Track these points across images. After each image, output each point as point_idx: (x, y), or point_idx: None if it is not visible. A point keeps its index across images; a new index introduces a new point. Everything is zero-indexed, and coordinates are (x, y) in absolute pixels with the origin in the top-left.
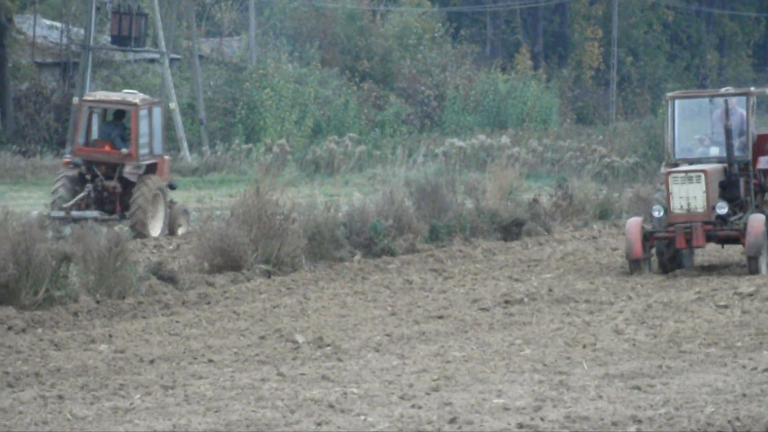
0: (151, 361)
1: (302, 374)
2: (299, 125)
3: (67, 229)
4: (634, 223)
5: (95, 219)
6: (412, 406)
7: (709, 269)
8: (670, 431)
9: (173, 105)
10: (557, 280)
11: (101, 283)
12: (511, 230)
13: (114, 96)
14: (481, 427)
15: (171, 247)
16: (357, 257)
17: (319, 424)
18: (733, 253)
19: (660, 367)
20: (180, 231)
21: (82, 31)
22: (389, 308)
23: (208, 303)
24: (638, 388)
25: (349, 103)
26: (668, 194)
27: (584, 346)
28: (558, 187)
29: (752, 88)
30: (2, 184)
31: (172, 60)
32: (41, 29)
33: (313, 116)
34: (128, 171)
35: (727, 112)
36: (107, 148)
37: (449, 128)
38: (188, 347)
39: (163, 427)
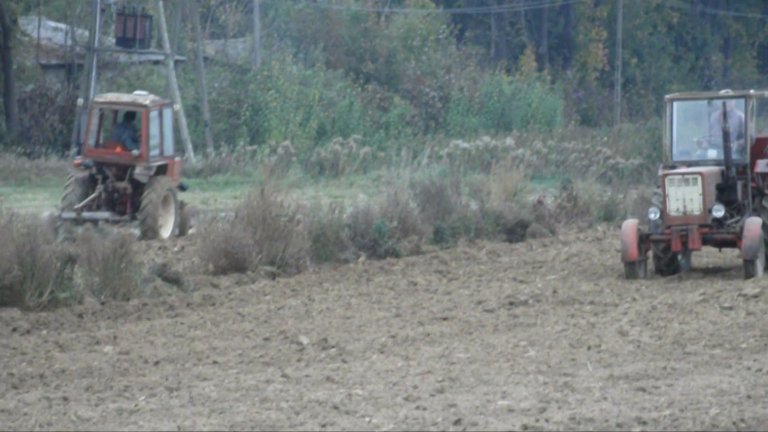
0: (156, 363)
1: (307, 376)
2: (304, 127)
3: (78, 230)
4: (630, 226)
5: (106, 220)
6: (417, 408)
7: (714, 271)
8: None
9: (177, 107)
10: (562, 281)
11: (106, 285)
12: (515, 232)
13: (125, 97)
14: (485, 429)
15: (176, 249)
16: (361, 259)
17: (323, 426)
18: (733, 256)
19: (665, 368)
20: (191, 232)
21: (86, 33)
22: (394, 310)
23: (213, 304)
24: (643, 389)
25: (353, 105)
26: (664, 196)
27: (589, 348)
28: (562, 189)
29: (751, 91)
30: (7, 185)
31: (176, 62)
32: (46, 31)
33: (317, 118)
34: (139, 172)
35: (725, 115)
36: (118, 149)
37: (454, 130)
38: (193, 349)
39: (168, 429)
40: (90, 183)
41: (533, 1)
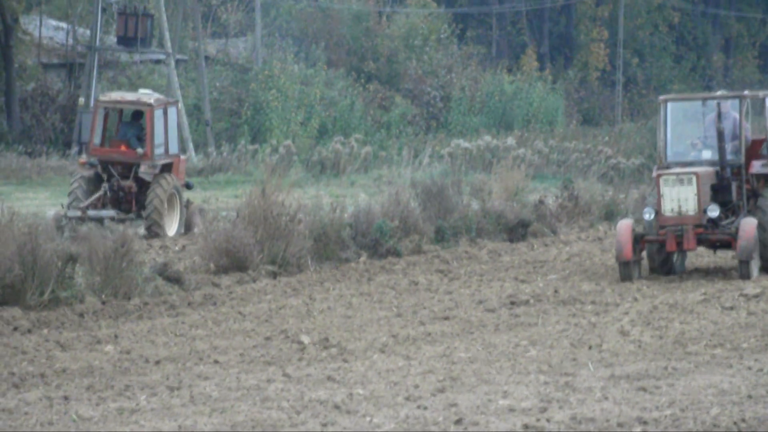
0: (157, 362)
1: (308, 375)
2: (305, 126)
3: (83, 229)
4: (624, 226)
5: (112, 218)
6: (418, 407)
7: (715, 271)
8: None
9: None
10: (563, 281)
11: (107, 284)
12: (516, 231)
13: (129, 96)
14: (486, 428)
15: (177, 248)
16: (363, 258)
17: (324, 425)
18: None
19: (666, 368)
20: (196, 230)
21: (88, 32)
22: (395, 309)
23: (214, 304)
24: (644, 389)
25: (354, 104)
26: (659, 196)
27: (590, 348)
28: (564, 189)
29: (746, 92)
30: (8, 184)
31: (177, 61)
32: (47, 30)
33: (318, 117)
34: (143, 170)
35: (719, 115)
36: (123, 147)
37: (455, 129)
38: (194, 348)
39: (169, 428)
40: (95, 181)
41: (534, 0)
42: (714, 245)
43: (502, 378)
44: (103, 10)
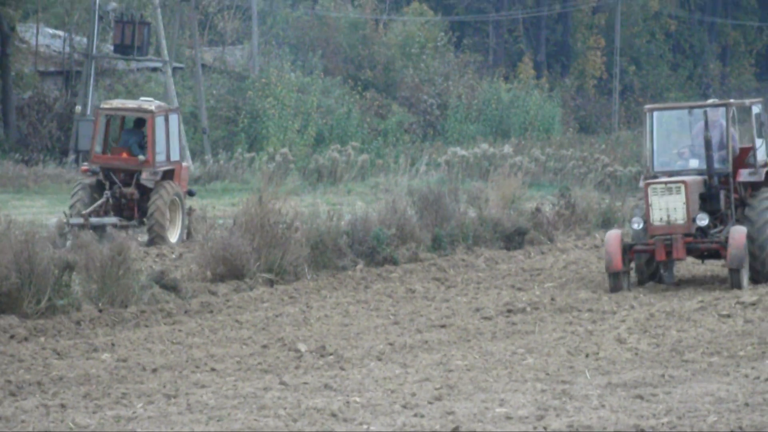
0: (154, 370)
1: (305, 383)
2: (302, 134)
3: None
4: (613, 236)
5: (114, 225)
6: (415, 415)
7: (711, 279)
8: None
9: None
10: (560, 289)
11: (104, 292)
12: (513, 239)
13: (131, 104)
14: None
15: (173, 256)
16: (359, 266)
17: None
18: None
19: (663, 376)
20: (198, 237)
21: (84, 40)
22: (392, 317)
23: (211, 312)
24: (641, 397)
25: (351, 112)
26: (647, 206)
27: (587, 355)
28: (560, 196)
29: (732, 100)
30: (5, 192)
31: (174, 69)
32: (44, 38)
33: (315, 125)
34: (145, 177)
35: (707, 124)
36: (124, 155)
37: (452, 137)
38: (191, 356)
39: None
40: (97, 189)
41: (531, 8)
42: (703, 254)
43: (499, 386)
44: (100, 18)
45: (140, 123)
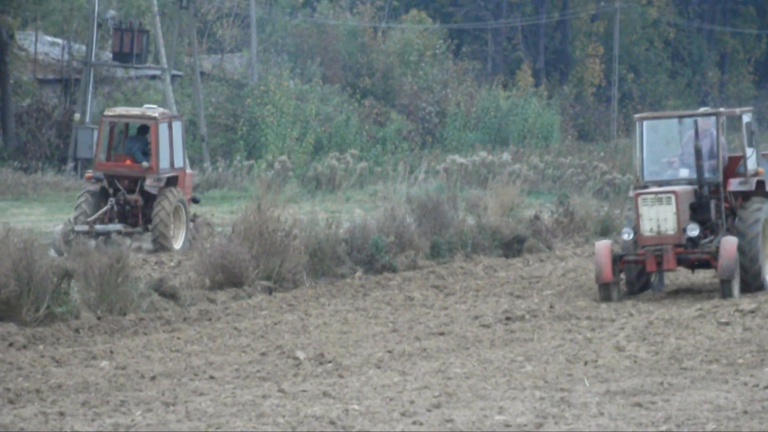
0: (153, 378)
1: (303, 391)
2: (300, 142)
3: (91, 243)
4: (603, 246)
5: (119, 232)
6: (414, 423)
7: (710, 287)
8: None
9: None
10: (558, 296)
11: (102, 300)
12: (512, 247)
13: (134, 111)
14: None
15: (172, 264)
16: (358, 274)
17: None
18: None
19: (661, 383)
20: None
21: (83, 48)
22: (390, 325)
23: (210, 319)
24: (640, 405)
25: (350, 120)
26: (638, 216)
27: (586, 363)
28: (559, 204)
29: (722, 109)
30: (4, 200)
31: (173, 76)
32: (43, 46)
33: (314, 133)
34: (149, 184)
35: (697, 133)
36: (128, 162)
37: (450, 145)
38: (189, 364)
39: None
40: (102, 196)
41: (530, 16)
42: (694, 265)
43: (497, 393)
44: (99, 25)
45: (143, 130)
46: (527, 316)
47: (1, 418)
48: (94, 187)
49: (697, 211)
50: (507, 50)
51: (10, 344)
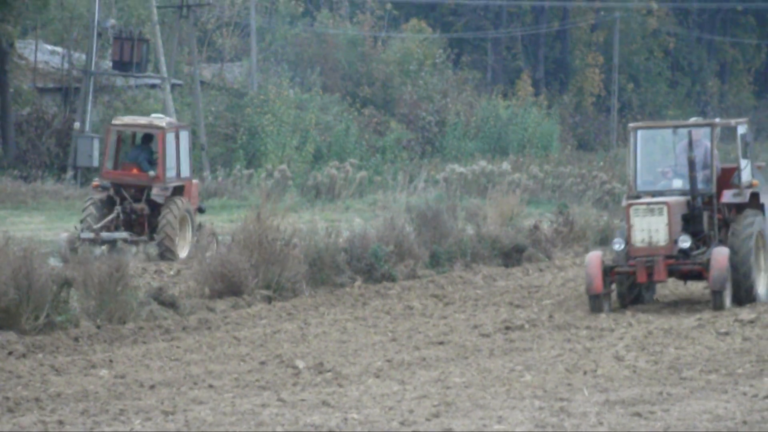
0: (152, 387)
1: (302, 400)
2: (300, 151)
3: (97, 251)
4: (594, 258)
5: (124, 240)
6: None
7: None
8: None
9: None
10: (558, 306)
11: (102, 309)
12: (511, 256)
13: (141, 120)
14: None
15: (171, 273)
16: (358, 283)
17: None
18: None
19: (661, 393)
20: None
21: (83, 57)
22: (390, 334)
23: (209, 328)
24: (639, 414)
25: (350, 129)
26: (629, 227)
27: (585, 373)
28: (559, 214)
29: (717, 120)
30: (3, 208)
31: (173, 85)
32: (42, 54)
33: (314, 142)
34: (155, 193)
35: (691, 144)
36: (135, 170)
37: (450, 154)
38: (189, 372)
39: None
40: (108, 204)
41: (530, 26)
42: (685, 276)
43: (496, 403)
44: (99, 34)
45: (148, 139)
46: (526, 326)
47: (1, 426)
48: (101, 195)
49: (690, 222)
50: (507, 60)
51: (10, 353)
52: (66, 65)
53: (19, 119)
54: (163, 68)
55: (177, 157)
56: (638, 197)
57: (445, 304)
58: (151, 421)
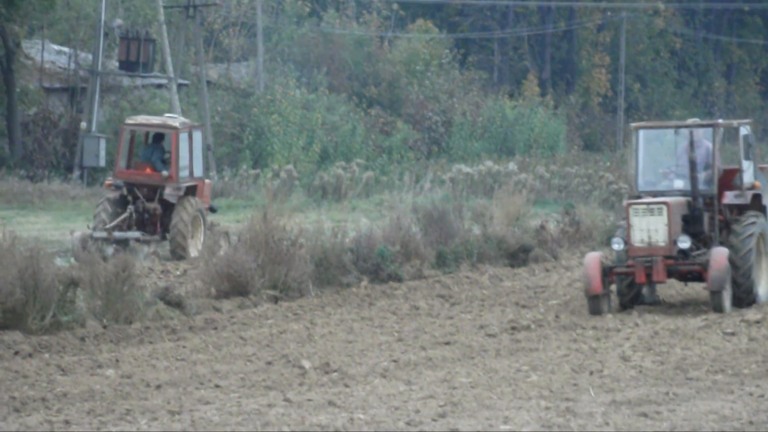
0: (158, 387)
1: (309, 400)
2: (307, 151)
3: (109, 250)
4: (592, 258)
5: (137, 239)
6: None
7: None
8: None
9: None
10: (564, 306)
11: (108, 308)
12: (518, 256)
13: (155, 120)
14: None
15: (178, 273)
16: (364, 283)
17: None
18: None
19: (667, 394)
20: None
21: (90, 57)
22: (396, 334)
23: (215, 328)
24: (645, 414)
25: (356, 129)
26: (629, 227)
27: (591, 373)
28: (565, 214)
29: (720, 120)
30: (10, 208)
31: (179, 85)
32: (49, 54)
33: (320, 142)
34: (168, 193)
35: (692, 144)
36: (148, 170)
37: (456, 154)
38: (195, 372)
39: None
40: (121, 203)
41: (536, 26)
42: (685, 277)
43: (503, 403)
44: (105, 34)
45: (161, 138)
46: (533, 326)
47: (7, 426)
48: (114, 194)
49: (690, 223)
50: (513, 60)
51: (16, 353)
52: (72, 65)
53: (26, 119)
54: (170, 68)
55: (190, 157)
56: (639, 197)
57: (452, 304)
58: (158, 420)
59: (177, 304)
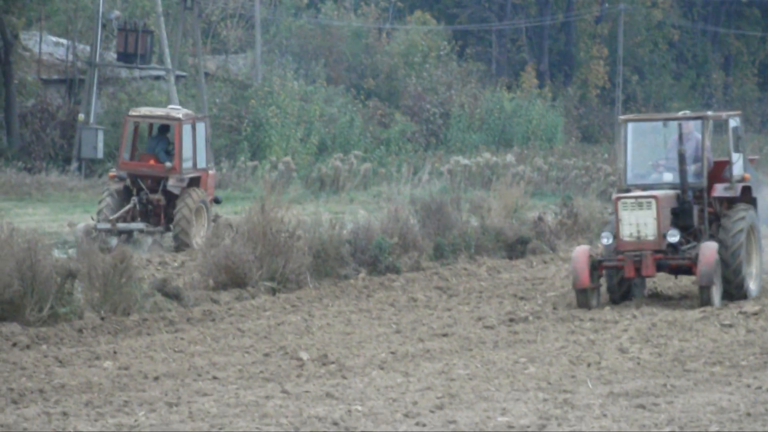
0: (156, 378)
1: (307, 392)
2: (304, 143)
3: (113, 241)
4: (581, 252)
5: (141, 231)
6: (417, 424)
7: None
8: None
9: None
10: (562, 298)
11: (106, 300)
12: (515, 248)
13: (158, 111)
14: None
15: (176, 264)
16: (362, 275)
17: None
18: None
19: (665, 385)
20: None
21: (87, 48)
22: (394, 326)
23: (213, 320)
24: (643, 406)
25: (354, 121)
26: (617, 221)
27: (589, 365)
28: (563, 206)
29: (709, 112)
30: (7, 200)
31: (177, 77)
32: (47, 46)
33: (318, 134)
34: (172, 184)
35: (681, 137)
36: (151, 161)
37: (454, 146)
38: (193, 364)
39: None
40: (125, 195)
41: (534, 18)
42: (674, 271)
43: (500, 395)
44: (103, 26)
45: (165, 130)
46: (530, 318)
47: (5, 417)
48: (118, 185)
49: (680, 216)
50: (511, 52)
51: (14, 344)
52: (70, 57)
53: (24, 111)
54: (168, 60)
55: (193, 149)
56: (628, 191)
57: (449, 296)
58: (156, 412)
59: (175, 296)
